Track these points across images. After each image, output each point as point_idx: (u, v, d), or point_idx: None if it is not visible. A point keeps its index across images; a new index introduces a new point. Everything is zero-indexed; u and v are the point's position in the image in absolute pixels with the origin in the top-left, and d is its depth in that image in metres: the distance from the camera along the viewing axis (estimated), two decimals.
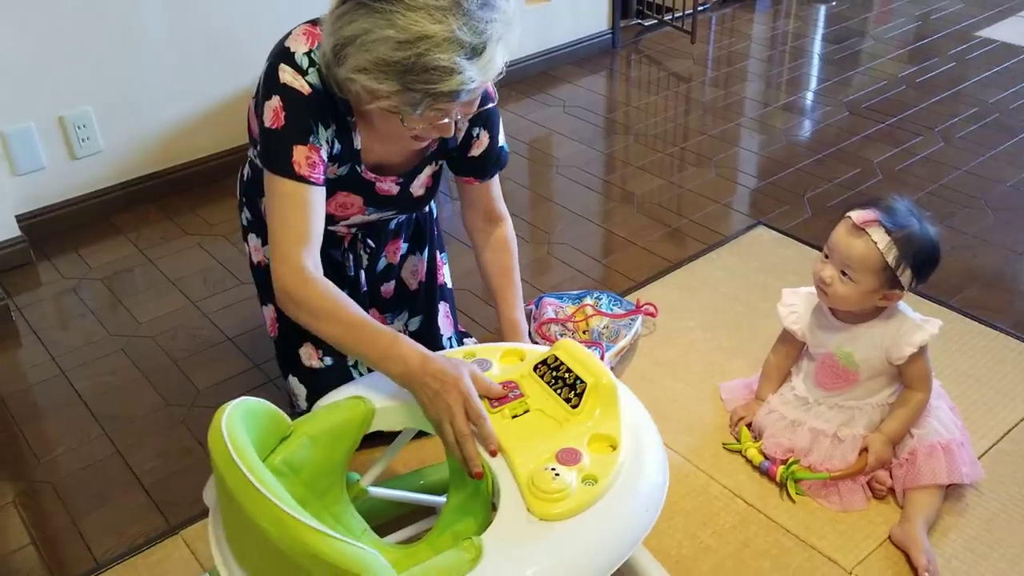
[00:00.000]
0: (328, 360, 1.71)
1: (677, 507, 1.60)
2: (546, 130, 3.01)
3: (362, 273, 1.70)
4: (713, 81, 3.34)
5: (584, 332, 1.93)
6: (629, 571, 1.35)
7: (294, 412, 1.73)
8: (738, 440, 1.71)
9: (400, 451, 1.44)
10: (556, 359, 1.26)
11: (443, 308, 1.81)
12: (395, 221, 1.70)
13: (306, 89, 1.36)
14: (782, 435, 1.65)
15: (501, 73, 1.30)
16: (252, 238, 1.73)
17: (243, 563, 1.08)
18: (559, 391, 1.23)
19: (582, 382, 1.21)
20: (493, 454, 1.18)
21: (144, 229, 2.49)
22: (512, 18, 1.27)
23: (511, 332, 1.61)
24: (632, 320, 1.96)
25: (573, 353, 1.25)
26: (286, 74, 1.36)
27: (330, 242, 1.64)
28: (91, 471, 1.73)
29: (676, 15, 3.71)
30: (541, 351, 1.30)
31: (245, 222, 1.74)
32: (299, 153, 1.36)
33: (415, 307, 1.80)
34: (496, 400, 1.22)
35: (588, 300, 2.01)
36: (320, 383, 1.66)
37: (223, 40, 2.55)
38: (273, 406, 1.22)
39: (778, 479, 1.62)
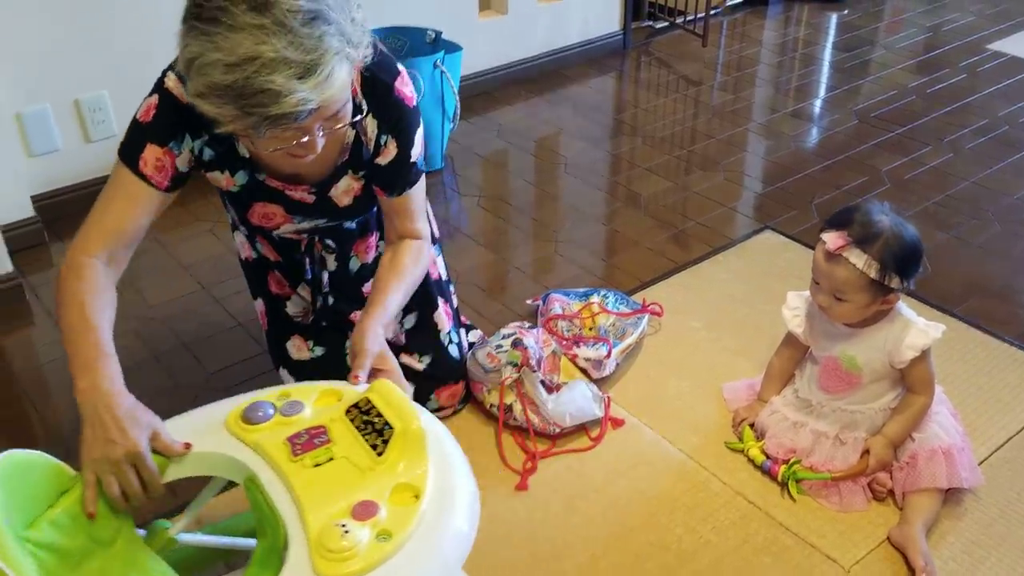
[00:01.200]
0: (319, 350, 1.72)
1: (679, 503, 1.62)
2: (555, 129, 3.03)
3: (324, 275, 1.68)
4: (722, 85, 3.36)
5: (591, 329, 1.95)
6: None
7: None
8: (741, 440, 1.73)
9: (219, 496, 1.36)
10: (368, 402, 1.19)
11: (440, 303, 1.80)
12: (355, 222, 1.65)
13: (185, 97, 1.32)
14: (784, 436, 1.67)
15: (350, 86, 1.25)
16: (237, 235, 1.75)
17: None
18: (367, 437, 1.15)
19: (390, 427, 1.14)
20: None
21: None
22: (352, 28, 1.20)
23: (359, 335, 1.37)
24: (638, 319, 1.98)
25: (387, 396, 1.18)
26: (170, 80, 1.36)
27: (288, 246, 1.65)
28: None
29: (688, 18, 3.73)
30: (358, 392, 1.23)
31: (231, 220, 1.75)
32: (150, 153, 1.36)
33: (409, 304, 1.79)
34: (300, 447, 1.16)
35: (595, 298, 2.03)
36: (310, 374, 1.67)
37: None
38: (51, 458, 1.16)
39: (780, 478, 1.64)
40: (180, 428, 1.23)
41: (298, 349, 1.71)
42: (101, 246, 1.35)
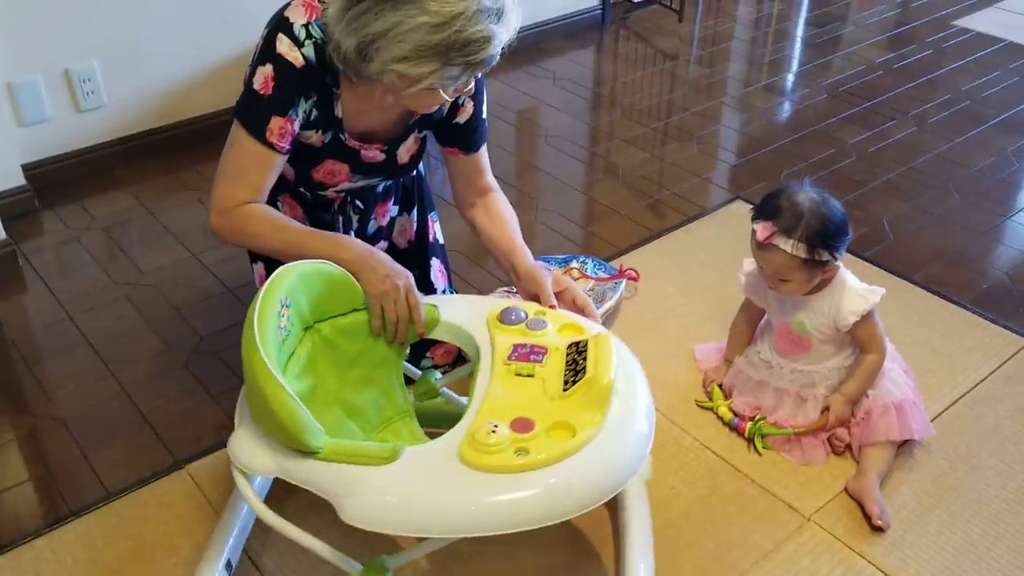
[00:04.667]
0: None
1: (651, 456, 1.71)
2: (535, 101, 3.10)
3: (352, 235, 1.77)
4: (698, 60, 3.44)
5: None
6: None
7: None
8: (710, 398, 1.83)
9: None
10: (585, 344, 1.32)
11: (436, 264, 1.90)
12: (382, 185, 1.76)
13: (299, 62, 1.44)
14: (750, 394, 1.77)
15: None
16: None
17: (250, 407, 1.26)
18: (567, 372, 1.28)
19: (585, 372, 1.26)
20: (420, 336, 1.44)
21: (145, 183, 2.57)
22: None
23: (529, 279, 1.55)
24: (616, 284, 2.07)
25: (600, 347, 1.30)
26: (283, 45, 1.43)
27: (320, 205, 1.72)
28: (99, 409, 1.82)
29: None
30: (592, 334, 1.35)
31: None
32: (275, 123, 1.46)
33: (407, 264, 1.87)
34: (517, 355, 1.33)
35: (574, 264, 2.12)
36: None
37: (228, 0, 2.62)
38: (355, 282, 1.39)
39: (746, 434, 1.74)
40: (455, 303, 1.48)
41: None
42: (246, 198, 1.49)
